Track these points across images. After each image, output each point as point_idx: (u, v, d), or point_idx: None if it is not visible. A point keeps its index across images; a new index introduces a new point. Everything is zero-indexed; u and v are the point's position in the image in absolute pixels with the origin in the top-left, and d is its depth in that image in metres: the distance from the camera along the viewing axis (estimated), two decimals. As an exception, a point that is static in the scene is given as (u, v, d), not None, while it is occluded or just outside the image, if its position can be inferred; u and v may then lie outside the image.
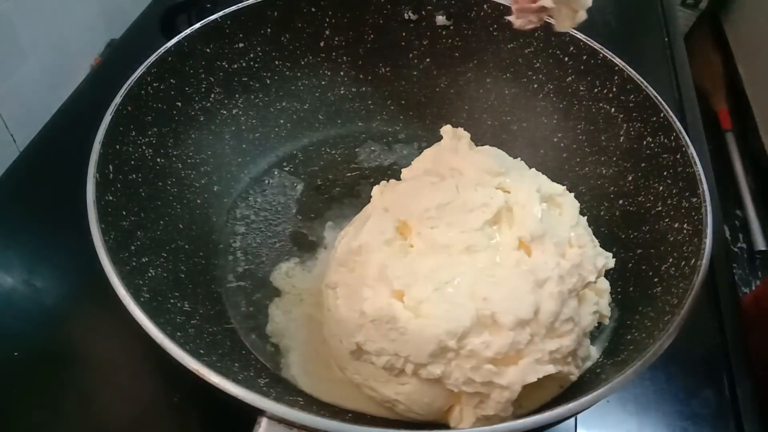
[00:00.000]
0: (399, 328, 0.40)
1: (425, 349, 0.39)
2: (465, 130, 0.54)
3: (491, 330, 0.40)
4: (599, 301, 0.45)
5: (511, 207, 0.45)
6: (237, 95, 0.60)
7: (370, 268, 0.43)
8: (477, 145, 0.55)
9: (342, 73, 0.66)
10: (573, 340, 0.41)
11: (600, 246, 0.53)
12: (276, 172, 0.62)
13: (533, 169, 0.53)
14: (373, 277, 0.42)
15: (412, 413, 0.42)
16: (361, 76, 0.66)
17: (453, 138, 0.52)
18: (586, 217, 0.52)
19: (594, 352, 0.46)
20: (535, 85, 0.62)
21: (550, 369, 0.40)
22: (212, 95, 0.58)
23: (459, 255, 0.43)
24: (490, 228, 0.44)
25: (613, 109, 0.56)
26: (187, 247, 0.52)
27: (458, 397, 0.42)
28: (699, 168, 0.47)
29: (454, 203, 0.45)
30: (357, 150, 0.66)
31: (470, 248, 0.43)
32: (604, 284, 0.47)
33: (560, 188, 0.49)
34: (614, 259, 0.48)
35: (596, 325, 0.46)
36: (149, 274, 0.44)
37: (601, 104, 0.57)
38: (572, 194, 0.50)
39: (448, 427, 0.43)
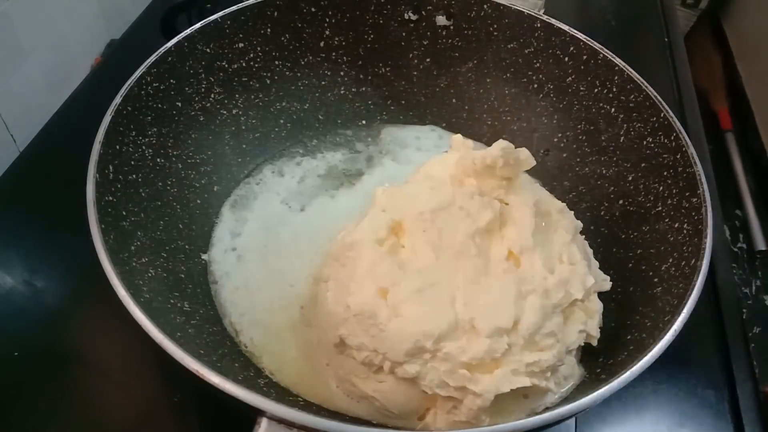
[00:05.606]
0: (379, 324, 0.40)
1: (402, 347, 0.39)
2: (465, 130, 0.54)
3: (469, 335, 0.40)
4: (588, 321, 0.45)
5: (506, 218, 0.45)
6: (237, 95, 0.60)
7: (360, 264, 0.43)
8: (477, 145, 0.55)
9: (342, 73, 0.66)
10: (553, 355, 0.41)
11: (600, 247, 0.53)
12: (275, 174, 0.62)
13: (537, 184, 0.53)
14: (361, 273, 0.43)
15: (387, 411, 0.43)
16: (361, 76, 0.66)
17: (461, 148, 0.52)
18: (587, 216, 0.52)
19: (578, 372, 0.46)
20: (535, 85, 0.62)
21: (525, 381, 0.39)
22: (212, 95, 0.58)
23: (447, 259, 0.43)
24: (482, 236, 0.44)
25: (613, 109, 0.56)
26: (187, 247, 0.52)
27: (433, 401, 0.42)
28: (699, 168, 0.47)
29: (449, 209, 0.45)
30: (357, 150, 0.66)
31: (459, 254, 0.43)
32: (596, 305, 0.46)
33: (560, 204, 0.49)
34: (610, 283, 0.48)
35: (582, 344, 0.45)
36: (149, 275, 0.44)
37: (601, 104, 0.57)
38: (572, 212, 0.49)
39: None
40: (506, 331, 0.40)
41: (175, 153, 0.54)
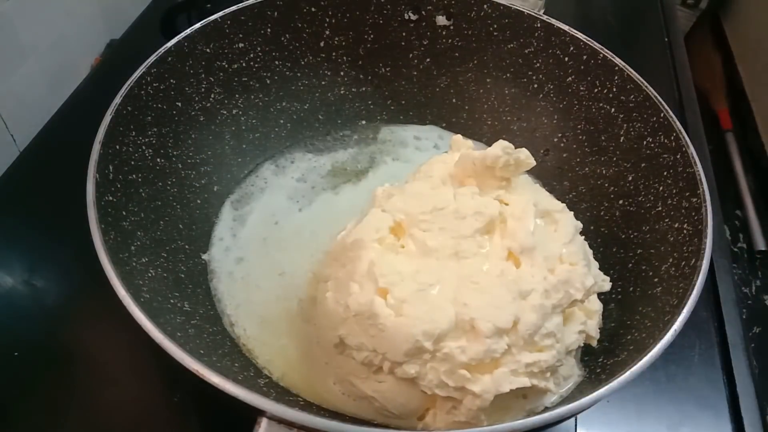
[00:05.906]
0: (378, 324, 0.40)
1: (401, 347, 0.39)
2: (465, 130, 0.54)
3: (469, 336, 0.40)
4: (587, 322, 0.45)
5: (506, 218, 0.45)
6: (237, 95, 0.60)
7: (360, 264, 0.43)
8: (477, 145, 0.55)
9: (342, 73, 0.66)
10: (553, 356, 0.41)
11: (600, 247, 0.53)
12: (276, 173, 0.62)
13: (537, 185, 0.53)
14: (361, 273, 0.43)
15: (386, 412, 0.43)
16: (361, 76, 0.66)
17: (461, 148, 0.52)
18: (587, 216, 0.52)
19: (578, 372, 0.46)
20: (535, 85, 0.62)
21: (525, 381, 0.39)
22: (212, 95, 0.58)
23: (447, 260, 0.43)
24: (482, 236, 0.44)
25: (613, 109, 0.56)
26: (187, 247, 0.52)
27: (433, 401, 0.42)
28: (699, 168, 0.47)
29: (448, 209, 0.45)
30: (357, 150, 0.66)
31: (459, 254, 0.43)
32: (596, 305, 0.46)
33: (560, 205, 0.49)
34: (610, 284, 0.48)
35: (582, 345, 0.45)
36: (149, 275, 0.44)
37: (601, 104, 0.57)
38: (572, 213, 0.50)
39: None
40: (506, 332, 0.40)
41: (175, 153, 0.54)
